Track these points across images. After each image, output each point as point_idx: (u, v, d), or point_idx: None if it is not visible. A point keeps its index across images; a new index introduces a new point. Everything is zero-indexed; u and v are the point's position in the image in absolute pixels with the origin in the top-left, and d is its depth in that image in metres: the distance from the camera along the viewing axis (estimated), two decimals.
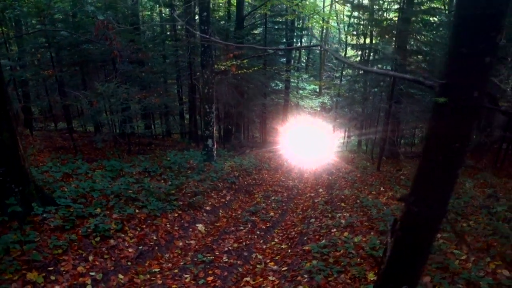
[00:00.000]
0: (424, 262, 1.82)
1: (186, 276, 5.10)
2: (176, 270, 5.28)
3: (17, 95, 15.94)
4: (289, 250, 6.18)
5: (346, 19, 26.66)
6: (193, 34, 17.00)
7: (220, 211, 8.34)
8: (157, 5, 20.17)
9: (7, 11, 11.38)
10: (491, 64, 1.36)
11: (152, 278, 5.05)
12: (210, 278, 5.06)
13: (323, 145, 23.16)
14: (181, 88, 20.13)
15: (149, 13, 23.22)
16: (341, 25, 28.57)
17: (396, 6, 15.10)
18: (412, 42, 16.54)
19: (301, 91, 26.71)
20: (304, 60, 34.09)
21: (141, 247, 5.77)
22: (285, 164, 16.21)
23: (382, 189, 9.65)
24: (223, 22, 19.52)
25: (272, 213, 8.55)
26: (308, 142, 22.77)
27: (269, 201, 9.56)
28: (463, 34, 1.38)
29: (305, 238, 6.52)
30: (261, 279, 5.13)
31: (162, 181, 8.88)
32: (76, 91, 12.02)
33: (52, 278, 4.52)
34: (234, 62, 11.24)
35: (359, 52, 23.84)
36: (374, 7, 15.59)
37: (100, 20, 6.87)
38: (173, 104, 18.20)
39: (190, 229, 6.97)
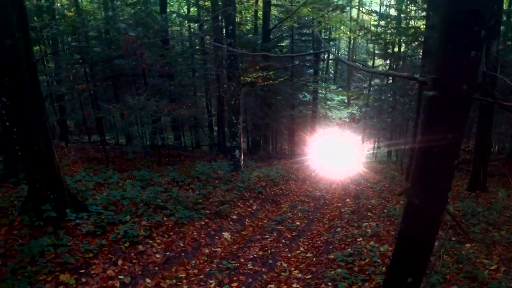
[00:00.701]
0: (428, 254, 1.82)
1: (211, 282, 5.18)
2: (201, 276, 5.38)
3: (53, 109, 16.71)
4: (314, 259, 6.16)
5: (373, 29, 26.50)
6: (220, 48, 17.42)
7: (246, 220, 8.41)
8: (186, 21, 20.81)
9: (45, 30, 12.04)
10: (477, 57, 1.39)
11: (178, 283, 5.16)
12: (234, 284, 5.13)
13: (352, 156, 22.92)
14: (210, 100, 20.53)
15: (178, 28, 23.93)
16: (368, 35, 28.40)
17: (423, 14, 14.94)
18: None
19: (329, 102, 26.65)
20: (332, 71, 34.04)
21: (168, 253, 5.91)
22: (313, 175, 16.14)
23: None
24: (250, 35, 19.84)
25: (298, 223, 8.54)
26: (337, 153, 22.61)
27: (296, 211, 9.55)
28: (450, 30, 1.43)
29: (330, 247, 6.48)
30: (285, 287, 5.14)
31: (190, 190, 9.07)
32: (109, 104, 12.49)
33: (83, 280, 4.71)
34: (260, 74, 11.40)
35: (387, 61, 23.58)
36: (401, 15, 15.47)
37: (127, 36, 7.18)
38: (202, 116, 18.56)
39: (217, 237, 7.07)
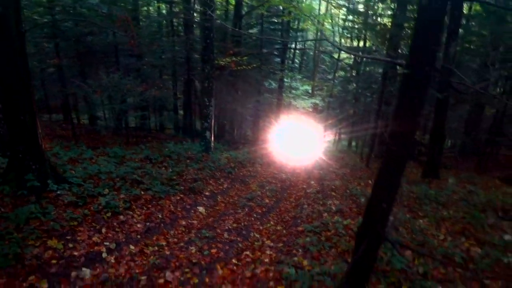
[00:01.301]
0: (397, 187, 2.40)
1: (191, 248, 5.59)
2: (182, 244, 5.77)
3: None
4: (284, 231, 6.71)
5: (341, 22, 27.36)
6: (191, 31, 17.47)
7: (219, 197, 8.83)
8: (155, 1, 20.59)
9: None
10: (434, 50, 2.01)
11: (161, 250, 5.52)
12: (213, 251, 5.57)
13: (314, 144, 23.74)
14: (176, 83, 20.51)
15: (145, 8, 23.55)
16: (336, 28, 29.24)
17: (390, 12, 15.77)
18: (404, 48, 17.30)
19: (294, 91, 27.24)
20: (298, 61, 34.72)
21: (148, 224, 6.24)
22: (277, 160, 16.72)
23: (370, 182, 10.23)
24: (219, 21, 19.92)
25: (267, 200, 9.08)
26: (300, 141, 23.32)
27: (264, 190, 10.07)
28: (419, 32, 2.02)
29: (298, 221, 7.06)
30: (259, 253, 5.63)
31: (163, 168, 9.35)
32: (76, 82, 12.36)
33: (70, 245, 4.98)
34: (234, 59, 11.73)
35: (352, 56, 24.49)
36: (369, 12, 16.22)
37: (120, 13, 7.31)
38: (168, 99, 18.57)
39: (192, 211, 7.45)
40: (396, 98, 2.23)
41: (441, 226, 6.32)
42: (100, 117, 17.22)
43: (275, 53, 23.16)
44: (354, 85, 21.63)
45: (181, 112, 21.75)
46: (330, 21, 28.20)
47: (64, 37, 12.84)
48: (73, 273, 4.51)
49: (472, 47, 16.89)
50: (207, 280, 4.64)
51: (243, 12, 18.55)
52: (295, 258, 5.07)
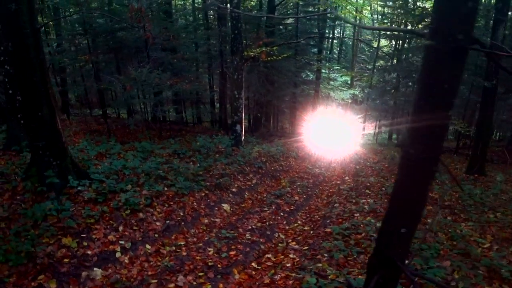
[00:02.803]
0: (421, 206, 1.88)
1: (209, 249, 5.30)
2: (200, 244, 5.49)
3: (55, 81, 16.68)
4: (311, 232, 6.27)
5: (380, 9, 26.15)
6: (224, 23, 17.23)
7: (246, 193, 8.50)
8: None
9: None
10: (474, 8, 1.43)
11: (178, 250, 5.27)
12: (232, 253, 5.24)
13: (352, 137, 22.93)
14: (212, 77, 20.41)
15: (181, 2, 23.59)
16: (375, 16, 28.03)
17: None
18: None
19: (332, 82, 26.39)
20: (336, 51, 33.71)
21: (168, 222, 6.01)
22: (313, 154, 16.19)
23: None
24: (255, 11, 19.54)
25: (296, 197, 8.65)
26: (338, 133, 22.59)
27: (295, 186, 9.65)
28: None
29: (327, 221, 6.58)
30: (282, 256, 5.25)
31: (191, 162, 9.13)
32: (111, 76, 12.44)
33: (85, 244, 4.82)
34: (264, 49, 11.30)
35: (393, 42, 23.37)
36: None
37: (132, 4, 7.12)
38: (204, 92, 18.48)
39: (216, 208, 7.18)
40: (417, 81, 1.66)
41: (486, 231, 5.63)
42: (137, 111, 17.43)
43: (311, 43, 22.42)
44: (394, 74, 20.61)
45: (217, 105, 21.67)
46: (368, 8, 27.04)
47: (95, 34, 12.96)
48: (84, 273, 4.35)
49: None
50: (220, 286, 4.32)
51: (277, 2, 18.04)
52: (319, 264, 4.63)
